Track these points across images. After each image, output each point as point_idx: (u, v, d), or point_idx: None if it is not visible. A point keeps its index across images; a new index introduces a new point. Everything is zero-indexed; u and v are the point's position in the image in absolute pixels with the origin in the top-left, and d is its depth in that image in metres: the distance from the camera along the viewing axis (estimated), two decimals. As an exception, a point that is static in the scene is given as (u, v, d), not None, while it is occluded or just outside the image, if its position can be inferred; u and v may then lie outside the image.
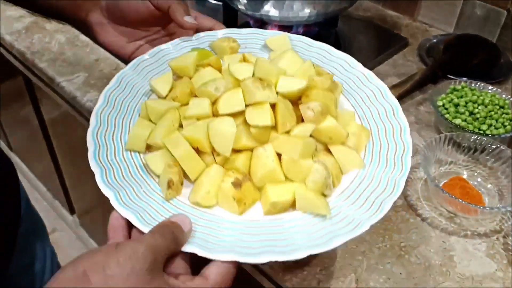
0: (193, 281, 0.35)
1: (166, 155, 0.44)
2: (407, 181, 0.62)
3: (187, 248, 0.38)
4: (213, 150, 0.45)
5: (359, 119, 0.51)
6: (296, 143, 0.43)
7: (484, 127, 0.64)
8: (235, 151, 0.44)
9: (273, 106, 0.45)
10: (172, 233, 0.37)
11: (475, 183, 0.61)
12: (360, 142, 0.48)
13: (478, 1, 0.84)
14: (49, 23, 0.86)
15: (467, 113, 0.66)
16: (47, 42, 0.81)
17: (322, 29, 0.79)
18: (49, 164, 1.31)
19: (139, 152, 0.46)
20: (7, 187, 0.59)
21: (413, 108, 0.73)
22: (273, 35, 0.58)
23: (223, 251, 0.38)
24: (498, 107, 0.66)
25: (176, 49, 0.56)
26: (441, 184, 0.60)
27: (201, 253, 0.37)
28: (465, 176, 0.62)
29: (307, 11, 0.69)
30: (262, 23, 0.76)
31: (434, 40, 0.86)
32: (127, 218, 0.39)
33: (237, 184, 0.42)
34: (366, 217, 0.41)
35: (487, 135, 0.63)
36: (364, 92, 0.53)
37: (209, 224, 0.41)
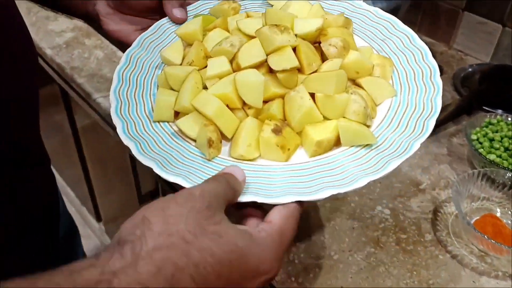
0: (259, 226, 0.35)
1: (198, 117, 0.43)
2: (437, 215, 0.61)
3: (245, 197, 0.37)
4: (243, 104, 0.44)
5: (377, 53, 0.51)
6: (329, 77, 0.42)
7: (520, 164, 0.63)
8: (265, 101, 0.44)
9: (293, 50, 0.44)
10: (227, 180, 0.36)
11: (509, 221, 0.60)
12: (385, 72, 0.47)
13: (517, 32, 0.83)
14: (88, 39, 0.89)
15: (502, 148, 0.64)
16: (86, 57, 0.84)
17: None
18: (79, 171, 1.34)
19: (167, 121, 0.46)
20: (44, 176, 0.60)
21: (446, 139, 0.72)
22: None
23: (281, 195, 0.37)
24: (534, 143, 0.65)
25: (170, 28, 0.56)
26: (472, 221, 0.59)
27: (260, 200, 0.37)
28: (498, 214, 0.61)
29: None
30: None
31: (470, 69, 0.85)
32: (176, 182, 0.38)
33: (277, 130, 0.41)
34: (413, 138, 0.41)
35: (522, 172, 0.62)
36: (374, 28, 0.53)
37: (259, 174, 0.40)
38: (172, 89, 0.47)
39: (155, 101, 0.46)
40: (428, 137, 0.73)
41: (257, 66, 0.45)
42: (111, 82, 0.70)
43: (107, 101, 0.76)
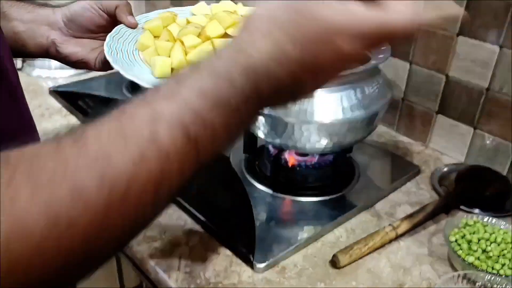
0: None
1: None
2: (421, 319, 0.61)
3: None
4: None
5: None
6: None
7: (498, 266, 0.64)
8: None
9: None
10: None
11: (491, 326, 0.60)
12: None
13: (487, 134, 0.88)
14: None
15: (479, 250, 0.66)
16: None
17: (337, 155, 0.83)
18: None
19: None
20: None
21: (426, 239, 0.74)
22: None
23: None
24: (511, 245, 0.66)
25: (128, 29, 0.68)
26: (456, 326, 0.59)
27: None
28: (480, 318, 0.61)
29: (323, 142, 0.73)
30: (280, 149, 0.80)
31: (445, 169, 0.89)
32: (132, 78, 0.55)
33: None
34: None
35: (501, 275, 0.63)
36: None
37: None
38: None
39: (154, 61, 0.62)
40: (409, 236, 0.75)
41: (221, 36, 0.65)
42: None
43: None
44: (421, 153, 0.96)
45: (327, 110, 0.70)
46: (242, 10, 0.72)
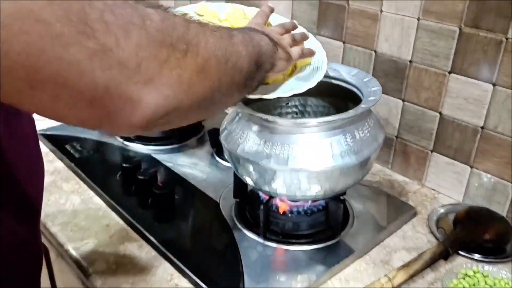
0: None
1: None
2: None
3: None
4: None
5: None
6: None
7: (500, 321, 0.61)
8: None
9: None
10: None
11: None
12: None
13: (484, 173, 0.86)
14: (66, 183, 0.90)
15: (481, 304, 0.63)
16: (62, 203, 0.84)
17: (330, 199, 0.80)
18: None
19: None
20: None
21: (425, 289, 0.70)
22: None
23: None
24: (513, 297, 0.63)
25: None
26: None
27: None
28: None
29: (314, 190, 0.70)
30: (271, 196, 0.78)
31: (443, 210, 0.86)
32: None
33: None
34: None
35: (504, 331, 0.60)
36: None
37: None
38: None
39: None
40: (406, 287, 0.71)
41: None
42: (85, 230, 0.73)
43: (79, 252, 0.74)
44: (417, 192, 0.93)
45: (316, 157, 0.68)
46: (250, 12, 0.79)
